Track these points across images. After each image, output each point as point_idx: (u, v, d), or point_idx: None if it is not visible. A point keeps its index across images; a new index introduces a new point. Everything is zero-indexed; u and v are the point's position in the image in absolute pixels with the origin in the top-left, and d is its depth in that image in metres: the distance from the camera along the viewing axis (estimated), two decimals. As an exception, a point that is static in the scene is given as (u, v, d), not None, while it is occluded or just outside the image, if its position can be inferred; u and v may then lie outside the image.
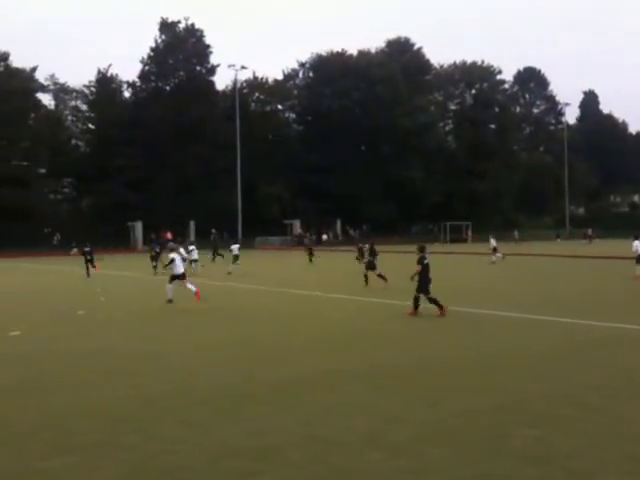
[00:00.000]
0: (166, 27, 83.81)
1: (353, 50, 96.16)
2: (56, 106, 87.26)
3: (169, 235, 76.89)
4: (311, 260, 41.67)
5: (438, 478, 6.22)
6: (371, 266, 25.06)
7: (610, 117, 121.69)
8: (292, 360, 11.80)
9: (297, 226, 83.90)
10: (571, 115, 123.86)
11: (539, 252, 50.03)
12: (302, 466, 6.52)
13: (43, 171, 79.37)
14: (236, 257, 35.53)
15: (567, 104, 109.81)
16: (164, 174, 78.19)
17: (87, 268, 33.53)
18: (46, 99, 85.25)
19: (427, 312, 16.80)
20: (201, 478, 6.32)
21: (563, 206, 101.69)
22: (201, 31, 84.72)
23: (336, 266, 40.06)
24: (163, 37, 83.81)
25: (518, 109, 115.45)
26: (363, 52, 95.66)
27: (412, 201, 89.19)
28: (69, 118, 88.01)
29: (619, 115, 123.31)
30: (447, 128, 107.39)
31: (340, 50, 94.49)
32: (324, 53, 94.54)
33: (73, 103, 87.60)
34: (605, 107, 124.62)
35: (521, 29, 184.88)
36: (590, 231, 79.44)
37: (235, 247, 36.59)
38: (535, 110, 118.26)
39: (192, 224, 76.58)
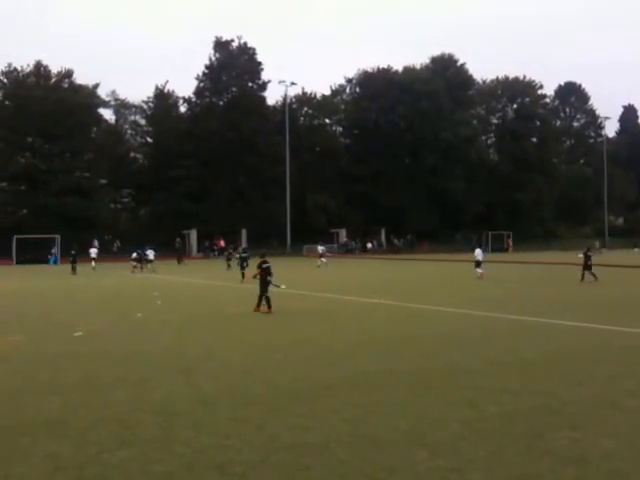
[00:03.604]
0: (220, 46, 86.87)
1: (398, 66, 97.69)
2: (116, 120, 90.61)
3: (222, 243, 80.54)
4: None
5: (479, 477, 6.39)
6: (243, 266, 33.28)
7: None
8: (338, 361, 12.16)
9: (343, 234, 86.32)
10: (611, 128, 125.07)
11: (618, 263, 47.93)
12: (349, 463, 6.72)
13: (104, 182, 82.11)
14: (150, 261, 45.38)
15: (607, 118, 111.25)
16: (218, 185, 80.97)
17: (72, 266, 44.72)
18: (107, 114, 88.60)
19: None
20: (252, 472, 6.54)
21: (602, 217, 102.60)
22: (253, 49, 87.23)
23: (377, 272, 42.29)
24: (217, 55, 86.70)
25: (559, 123, 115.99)
26: (408, 68, 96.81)
27: (455, 211, 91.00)
28: (128, 132, 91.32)
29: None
30: (489, 141, 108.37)
31: (386, 66, 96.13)
32: (370, 69, 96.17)
33: (132, 118, 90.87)
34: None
35: (562, 45, 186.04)
36: None
37: (150, 252, 46.57)
38: (575, 124, 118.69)
39: (244, 232, 79.11)
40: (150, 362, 12.28)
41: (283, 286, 22.17)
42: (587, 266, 31.62)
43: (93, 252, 50.99)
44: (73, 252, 47.38)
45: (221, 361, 12.32)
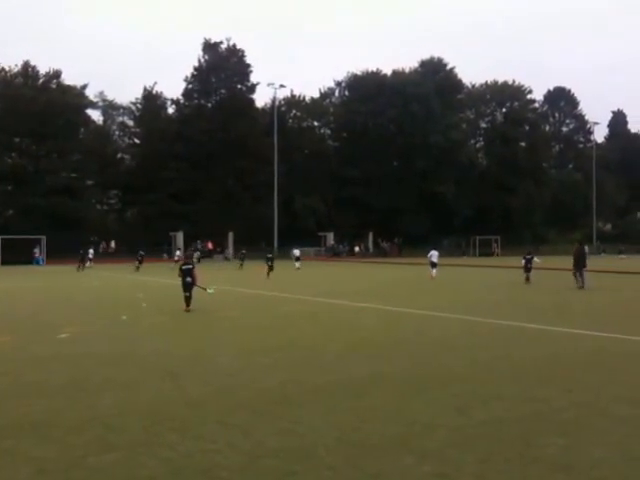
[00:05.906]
0: (209, 47, 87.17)
1: (388, 70, 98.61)
2: (104, 121, 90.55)
3: (211, 245, 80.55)
4: (138, 269, 48.44)
5: (467, 484, 6.30)
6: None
7: (638, 136, 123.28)
8: (327, 365, 12.00)
9: (330, 238, 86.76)
10: (600, 134, 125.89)
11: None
12: (336, 468, 6.65)
13: (91, 183, 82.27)
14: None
15: (596, 123, 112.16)
16: (207, 186, 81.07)
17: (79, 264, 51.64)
18: (95, 115, 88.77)
19: (420, 318, 18.50)
20: (239, 477, 6.47)
21: (591, 222, 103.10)
22: (242, 51, 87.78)
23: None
24: (206, 57, 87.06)
25: (548, 127, 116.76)
26: (397, 72, 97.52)
27: (444, 215, 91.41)
28: (116, 133, 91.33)
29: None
30: (478, 145, 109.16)
31: (375, 70, 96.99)
32: (359, 72, 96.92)
33: (120, 119, 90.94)
34: (633, 127, 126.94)
35: (551, 50, 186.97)
36: None
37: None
38: (565, 129, 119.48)
39: (231, 235, 79.25)
40: (137, 365, 12.13)
41: (210, 290, 22.82)
42: (527, 269, 33.79)
43: (90, 253, 59.55)
44: (81, 252, 54.12)
45: (208, 364, 12.20)
